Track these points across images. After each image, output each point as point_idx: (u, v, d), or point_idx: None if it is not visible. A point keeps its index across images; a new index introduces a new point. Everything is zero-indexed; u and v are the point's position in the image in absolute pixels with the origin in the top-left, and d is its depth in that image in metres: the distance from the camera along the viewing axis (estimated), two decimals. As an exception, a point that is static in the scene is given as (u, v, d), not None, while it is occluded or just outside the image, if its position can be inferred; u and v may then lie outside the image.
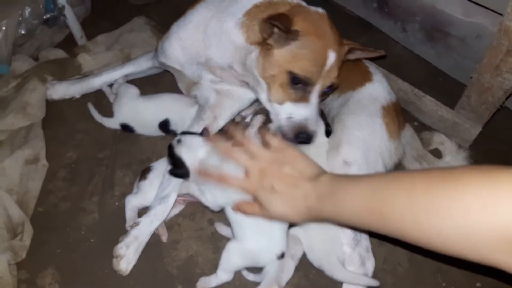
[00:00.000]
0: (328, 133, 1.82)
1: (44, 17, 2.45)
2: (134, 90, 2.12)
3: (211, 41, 1.81)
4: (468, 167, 0.88)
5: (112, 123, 2.11)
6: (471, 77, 1.85)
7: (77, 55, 2.38)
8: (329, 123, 1.86)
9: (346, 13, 2.89)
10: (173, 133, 2.03)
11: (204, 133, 1.75)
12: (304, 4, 1.69)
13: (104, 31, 2.61)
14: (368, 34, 2.75)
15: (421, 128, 2.22)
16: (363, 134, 1.74)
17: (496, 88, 1.76)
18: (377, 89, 1.89)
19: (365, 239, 1.66)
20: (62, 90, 2.21)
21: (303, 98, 1.67)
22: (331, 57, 1.60)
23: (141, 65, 2.26)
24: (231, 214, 1.59)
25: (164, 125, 2.02)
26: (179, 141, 1.66)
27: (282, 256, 1.56)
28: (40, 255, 1.72)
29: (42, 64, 2.31)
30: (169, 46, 1.94)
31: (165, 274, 1.69)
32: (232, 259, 1.58)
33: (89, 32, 2.62)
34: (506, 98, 1.83)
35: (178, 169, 1.63)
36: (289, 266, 1.65)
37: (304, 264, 1.71)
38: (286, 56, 1.59)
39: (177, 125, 2.01)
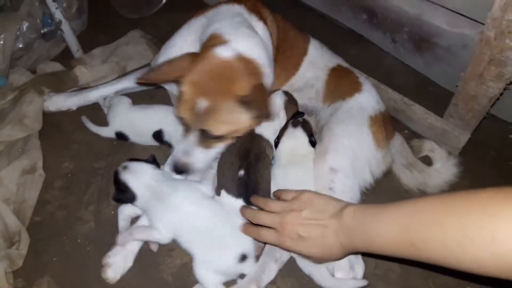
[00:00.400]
0: (312, 143, 1.87)
1: (42, 31, 2.52)
2: (126, 100, 2.17)
3: None
4: (490, 191, 0.91)
5: (107, 132, 2.15)
6: (457, 86, 1.91)
7: (73, 68, 2.43)
8: (312, 133, 1.91)
9: (338, 25, 2.96)
10: (167, 144, 2.06)
11: (150, 159, 1.80)
12: (224, 45, 1.64)
13: (101, 45, 2.67)
14: (359, 46, 2.81)
15: (412, 136, 2.26)
16: (350, 143, 1.78)
17: (481, 96, 1.81)
18: (366, 99, 1.94)
19: None
20: (59, 102, 2.26)
21: (185, 134, 1.70)
22: (200, 105, 1.56)
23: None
24: (181, 238, 1.63)
25: (158, 135, 2.06)
26: (125, 167, 1.71)
27: (243, 258, 1.58)
28: (36, 264, 1.75)
29: (39, 77, 2.36)
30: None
31: (160, 282, 1.71)
32: (204, 278, 1.60)
33: (86, 46, 2.68)
34: (491, 106, 1.88)
35: (122, 194, 1.69)
36: (271, 269, 1.67)
37: (298, 270, 1.72)
38: (177, 93, 1.65)
39: (170, 136, 2.04)
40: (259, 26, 1.88)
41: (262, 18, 1.94)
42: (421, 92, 2.45)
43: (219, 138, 1.68)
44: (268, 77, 1.74)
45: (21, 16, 2.42)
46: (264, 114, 1.60)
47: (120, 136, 2.13)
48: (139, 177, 1.69)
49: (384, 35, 2.58)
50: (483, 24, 1.64)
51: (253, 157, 1.77)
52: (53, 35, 2.59)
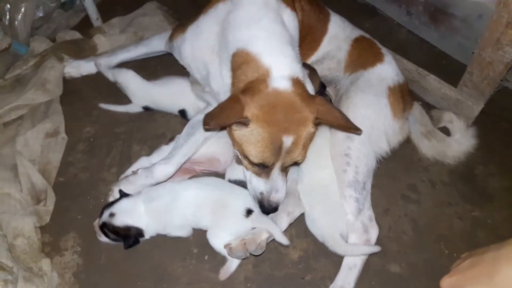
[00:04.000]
0: None
1: (62, 0, 2.55)
2: (131, 73, 2.17)
3: (210, 67, 1.79)
4: None
5: (135, 108, 2.19)
6: (473, 53, 1.93)
7: (92, 36, 2.48)
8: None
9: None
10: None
11: (123, 194, 1.76)
12: (272, 75, 1.51)
13: (117, 15, 2.70)
14: (373, 20, 2.83)
15: (424, 107, 2.26)
16: (367, 113, 1.82)
17: (497, 62, 1.84)
18: (386, 70, 1.97)
19: (368, 209, 1.75)
20: (79, 67, 2.32)
21: (264, 174, 1.58)
22: (287, 142, 1.48)
23: (154, 48, 2.32)
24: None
25: (183, 113, 2.11)
26: (112, 215, 1.67)
27: (249, 212, 1.67)
28: (62, 221, 1.82)
29: (59, 44, 2.41)
30: (184, 50, 1.90)
31: (182, 239, 1.78)
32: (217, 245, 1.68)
33: (103, 16, 2.70)
34: (506, 73, 1.90)
35: (130, 239, 1.67)
36: (283, 220, 1.74)
37: (313, 231, 1.80)
38: (240, 139, 1.52)
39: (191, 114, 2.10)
40: (286, 13, 1.74)
41: (288, 2, 1.79)
42: (435, 65, 2.46)
43: None
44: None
45: (42, -15, 2.45)
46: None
47: (148, 108, 2.18)
48: (133, 211, 1.68)
49: (399, 8, 2.59)
50: (500, -8, 1.66)
51: None
52: (72, 5, 2.63)
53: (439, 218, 1.95)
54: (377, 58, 2.00)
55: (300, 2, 1.99)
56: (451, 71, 2.42)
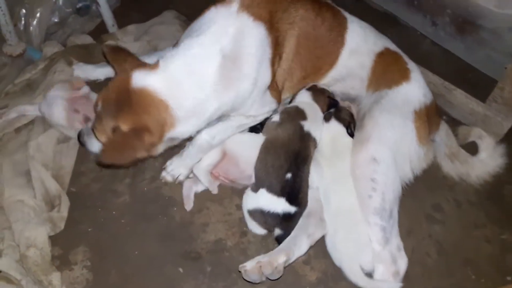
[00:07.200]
0: (350, 135, 1.82)
1: (77, 6, 2.52)
2: None
3: None
4: None
5: None
6: (505, 68, 1.84)
7: (104, 42, 2.41)
8: (350, 122, 1.86)
9: (373, 8, 2.89)
10: None
11: None
12: (145, 75, 1.56)
13: (133, 22, 2.64)
14: (395, 29, 2.73)
15: (450, 122, 2.18)
16: (394, 135, 1.72)
17: (531, 78, 1.76)
18: (412, 91, 1.85)
19: (395, 237, 1.64)
20: (88, 71, 2.23)
21: None
22: (96, 107, 1.63)
23: None
24: None
25: None
26: None
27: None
28: (72, 233, 1.76)
29: (69, 48, 2.36)
30: None
31: (195, 256, 1.71)
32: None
33: (118, 23, 2.65)
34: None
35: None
36: (303, 243, 1.65)
37: (332, 252, 1.71)
38: None
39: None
40: (250, 29, 1.63)
41: (263, 16, 1.66)
42: (461, 79, 2.36)
43: None
44: (185, 120, 1.58)
45: (58, -10, 2.42)
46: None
47: None
48: None
49: (424, 18, 2.51)
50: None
51: (301, 160, 1.75)
52: (88, 10, 2.59)
53: (465, 241, 1.85)
54: (403, 75, 1.88)
55: (298, 11, 1.83)
56: (477, 85, 2.32)
